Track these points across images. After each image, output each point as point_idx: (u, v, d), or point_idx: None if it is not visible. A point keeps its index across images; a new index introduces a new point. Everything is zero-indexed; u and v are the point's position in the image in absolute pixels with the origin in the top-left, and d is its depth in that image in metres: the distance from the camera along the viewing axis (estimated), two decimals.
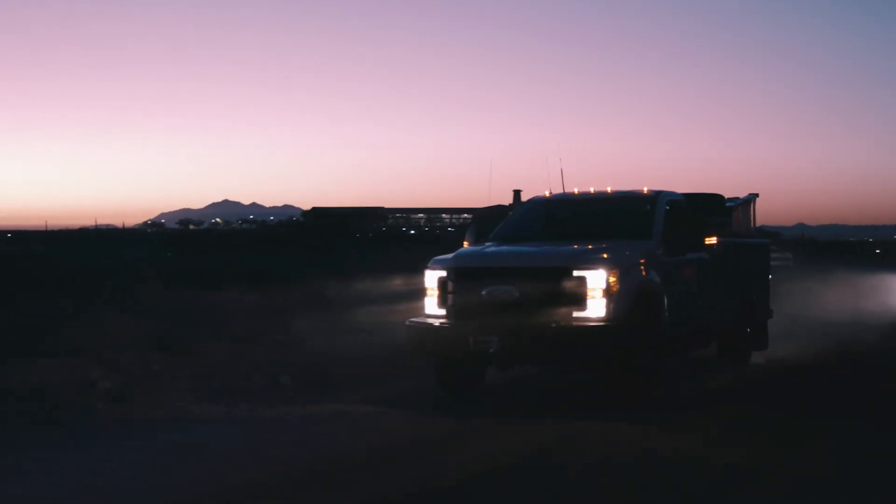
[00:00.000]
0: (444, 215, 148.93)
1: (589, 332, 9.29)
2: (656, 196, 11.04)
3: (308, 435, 8.55)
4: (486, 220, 11.99)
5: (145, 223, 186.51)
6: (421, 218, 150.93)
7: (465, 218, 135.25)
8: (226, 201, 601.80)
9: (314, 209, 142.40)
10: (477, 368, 10.41)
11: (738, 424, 8.94)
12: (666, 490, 6.70)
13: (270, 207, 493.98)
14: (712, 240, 10.89)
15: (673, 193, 11.41)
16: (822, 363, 13.24)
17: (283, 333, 13.42)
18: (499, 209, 13.36)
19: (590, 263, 9.50)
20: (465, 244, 11.05)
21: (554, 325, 9.33)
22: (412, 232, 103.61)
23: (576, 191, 11.73)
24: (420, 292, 10.25)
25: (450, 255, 10.21)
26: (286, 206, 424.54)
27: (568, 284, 9.41)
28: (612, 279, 9.41)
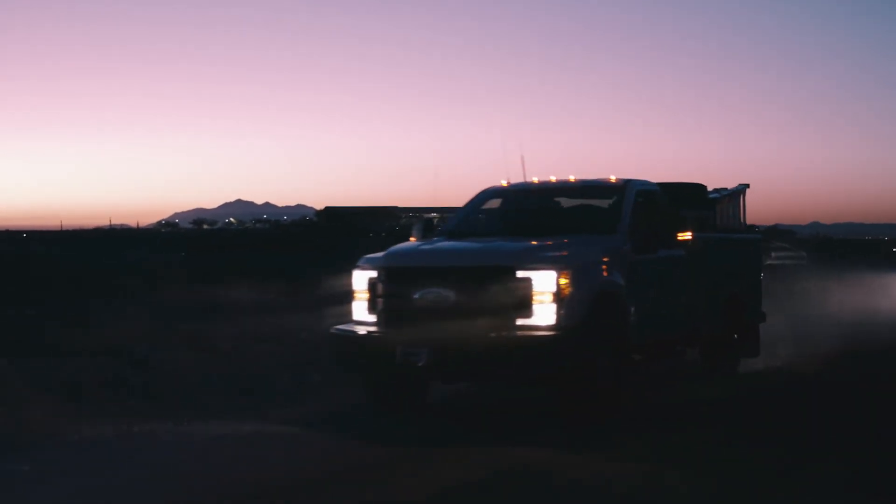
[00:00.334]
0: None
1: (534, 343, 7.84)
2: (624, 185, 9.58)
3: (212, 460, 7.27)
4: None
5: (159, 223, 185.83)
6: (434, 217, 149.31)
7: None
8: (239, 201, 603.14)
9: (327, 209, 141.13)
10: (415, 383, 8.98)
11: (691, 454, 7.45)
12: None
13: (283, 207, 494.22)
14: (687, 235, 9.40)
15: (645, 183, 9.95)
16: (822, 373, 11.74)
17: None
18: None
19: (537, 262, 8.05)
20: (412, 240, 9.61)
21: (494, 334, 7.89)
22: None
23: (535, 180, 10.26)
24: (350, 296, 8.83)
25: (381, 254, 8.78)
26: (299, 206, 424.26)
27: (511, 287, 7.97)
28: (563, 281, 7.95)
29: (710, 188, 11.91)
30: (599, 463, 7.07)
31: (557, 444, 7.63)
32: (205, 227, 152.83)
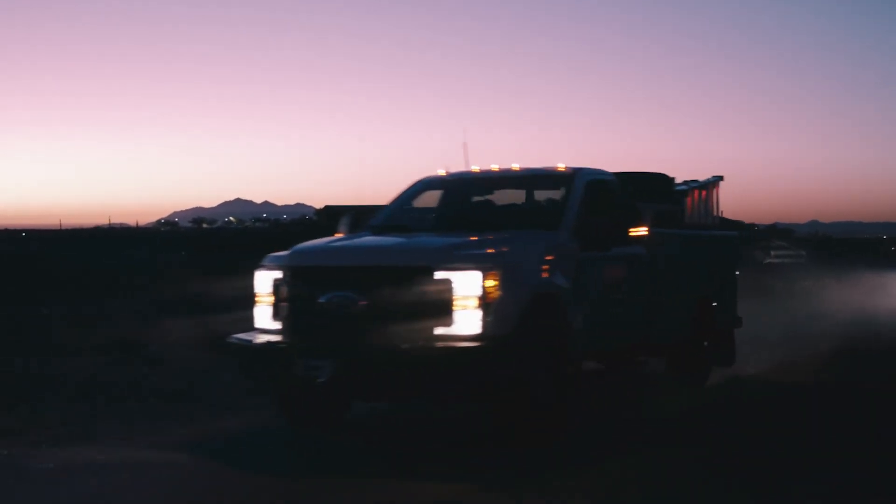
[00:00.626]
0: None
1: (454, 356, 6.62)
2: (573, 175, 8.36)
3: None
4: None
5: (158, 222, 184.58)
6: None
7: None
8: (238, 200, 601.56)
9: (327, 207, 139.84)
10: (333, 397, 7.77)
11: (646, 484, 6.24)
12: None
13: (283, 206, 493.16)
14: (642, 230, 8.18)
15: (599, 172, 8.73)
16: (804, 383, 10.55)
17: None
18: None
19: (458, 261, 6.83)
20: (338, 236, 8.41)
21: (407, 345, 6.68)
22: None
23: (476, 169, 9.04)
24: (252, 299, 7.62)
25: (287, 251, 7.57)
26: (298, 205, 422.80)
27: (429, 290, 6.77)
28: (490, 282, 6.74)
29: (679, 180, 10.72)
30: (532, 500, 5.87)
31: (485, 474, 6.43)
32: (204, 225, 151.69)
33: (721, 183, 11.11)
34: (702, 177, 10.98)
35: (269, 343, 7.13)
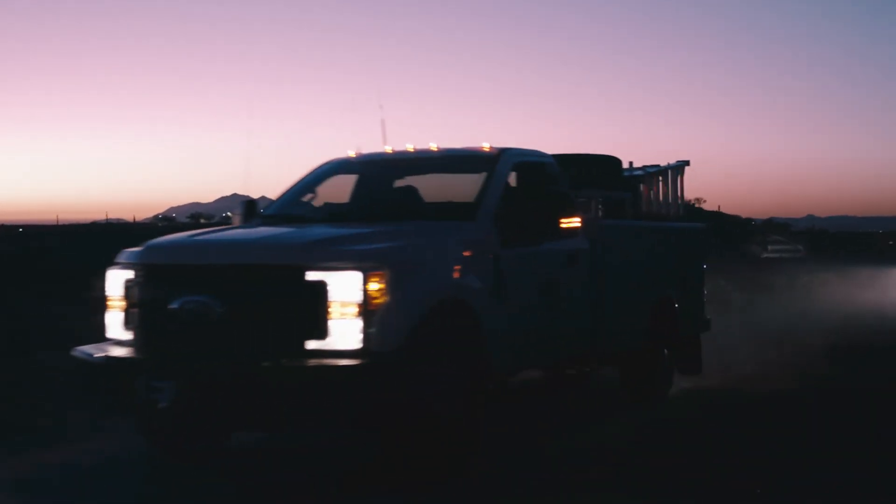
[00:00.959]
0: None
1: (327, 376, 5.26)
2: (498, 156, 6.98)
3: None
4: None
5: (155, 217, 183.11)
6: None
7: None
8: (234, 195, 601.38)
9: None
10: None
11: None
12: None
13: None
14: (574, 222, 6.79)
15: (530, 154, 7.35)
16: (778, 394, 9.17)
17: None
18: None
19: (335, 259, 5.45)
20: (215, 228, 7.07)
21: (267, 363, 5.33)
22: None
23: (389, 149, 7.65)
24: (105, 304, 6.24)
25: (141, 247, 6.19)
26: None
27: (299, 294, 5.40)
28: (374, 285, 5.37)
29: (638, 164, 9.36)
30: None
31: None
32: (202, 220, 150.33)
33: (687, 169, 9.74)
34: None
35: (108, 358, 5.75)
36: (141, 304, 5.84)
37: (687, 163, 9.68)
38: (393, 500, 5.49)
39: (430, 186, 7.25)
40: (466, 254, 6.13)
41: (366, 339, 5.32)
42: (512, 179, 7.15)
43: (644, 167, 9.13)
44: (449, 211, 6.63)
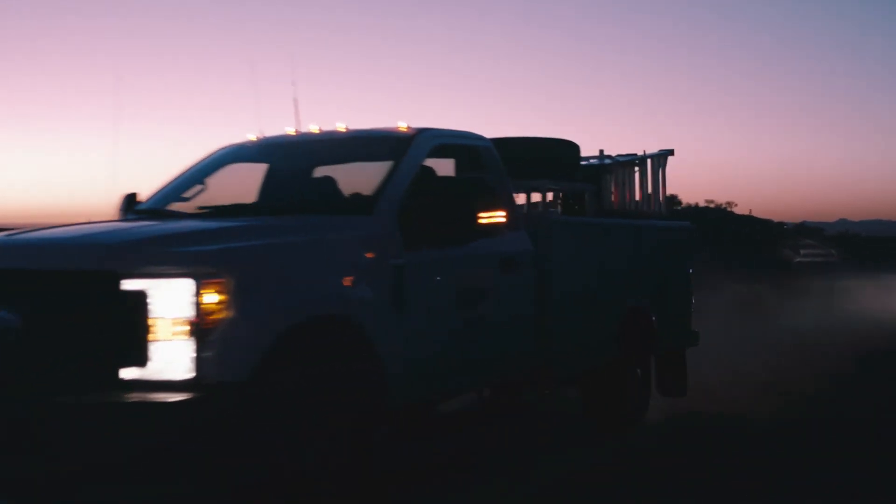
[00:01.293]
0: None
1: (146, 418, 4.02)
2: (412, 138, 5.67)
3: None
4: None
5: None
6: None
7: None
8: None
9: None
10: None
11: None
12: None
13: None
14: (498, 217, 5.45)
15: (458, 135, 6.03)
16: (781, 420, 7.83)
17: None
18: None
19: (159, 263, 4.18)
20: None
21: (70, 398, 4.09)
22: None
23: (292, 131, 6.36)
24: None
25: None
26: None
27: (112, 307, 4.16)
28: (212, 297, 4.10)
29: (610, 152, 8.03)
30: None
31: None
32: None
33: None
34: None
35: None
36: None
37: (670, 152, 8.34)
38: None
39: (338, 174, 5.98)
40: (356, 257, 4.85)
41: (199, 367, 4.06)
42: (439, 167, 5.89)
43: (611, 156, 7.80)
44: (341, 204, 5.36)
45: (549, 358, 6.27)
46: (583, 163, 7.64)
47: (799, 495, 5.68)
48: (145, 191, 6.31)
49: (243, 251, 4.36)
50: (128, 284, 4.10)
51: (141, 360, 4.06)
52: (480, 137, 6.13)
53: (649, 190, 8.10)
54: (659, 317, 7.68)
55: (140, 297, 4.07)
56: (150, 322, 4.06)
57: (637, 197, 7.88)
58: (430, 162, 5.81)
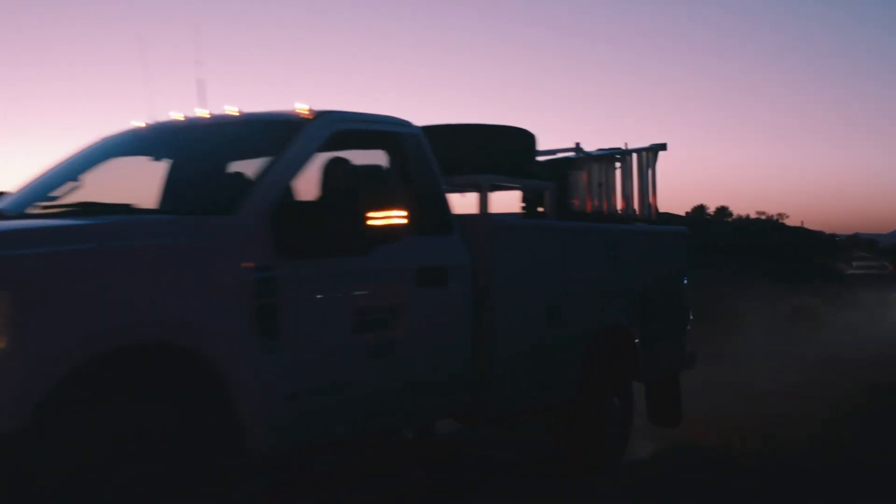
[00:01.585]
0: None
1: None
2: (302, 123, 4.57)
3: None
4: None
5: None
6: None
7: None
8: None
9: None
10: None
11: None
12: None
13: None
14: (395, 217, 4.34)
15: (373, 120, 4.92)
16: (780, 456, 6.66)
17: None
18: None
19: None
20: None
21: None
22: None
23: (180, 117, 5.31)
24: None
25: None
26: None
27: None
28: None
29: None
30: None
31: None
32: None
33: (662, 154, 7.23)
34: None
35: None
36: None
37: (662, 147, 7.18)
38: None
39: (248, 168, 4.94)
40: (204, 268, 3.82)
41: None
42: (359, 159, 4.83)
43: (599, 150, 6.66)
44: (204, 202, 4.31)
45: (489, 392, 5.17)
46: (548, 157, 6.52)
47: (799, 495, 5.47)
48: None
49: (26, 260, 3.34)
50: None
51: None
52: (404, 123, 5.05)
53: (635, 189, 6.96)
54: (644, 337, 6.54)
55: None
56: None
57: (619, 197, 6.74)
58: (359, 156, 4.79)
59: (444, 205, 5.05)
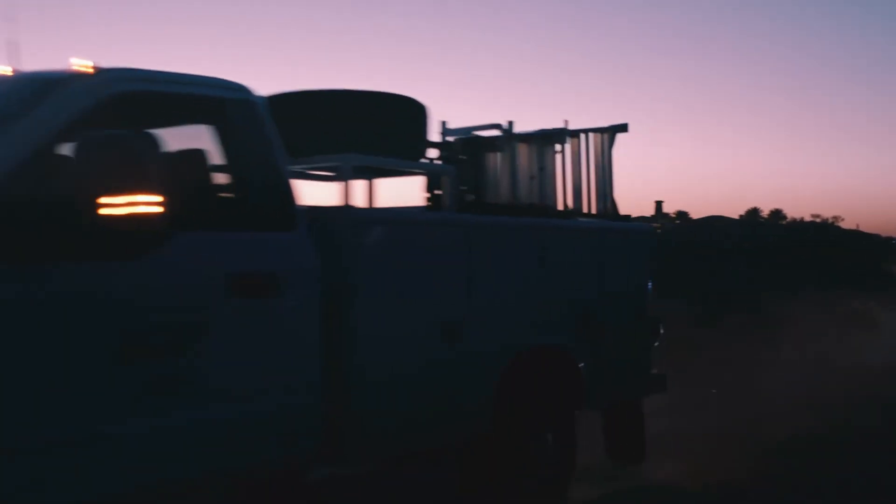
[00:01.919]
0: None
1: None
2: (58, 84, 3.40)
3: None
4: None
5: None
6: None
7: None
8: None
9: None
10: None
11: None
12: None
13: None
14: (149, 205, 3.18)
15: (172, 80, 3.73)
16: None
17: None
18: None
19: None
20: None
21: None
22: None
23: None
24: None
25: None
26: None
27: None
28: None
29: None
30: None
31: None
32: None
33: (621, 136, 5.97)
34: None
35: None
36: None
37: (621, 128, 5.91)
38: None
39: None
40: None
41: None
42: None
43: (540, 131, 5.43)
44: None
45: (351, 429, 4.00)
46: (456, 137, 5.31)
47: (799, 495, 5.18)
48: None
49: None
50: None
51: None
52: (230, 86, 3.87)
53: (585, 177, 5.71)
54: (592, 357, 5.30)
55: None
56: None
57: (560, 185, 5.50)
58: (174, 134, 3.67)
59: (285, 193, 3.89)
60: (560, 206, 5.64)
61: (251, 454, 3.69)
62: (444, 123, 5.06)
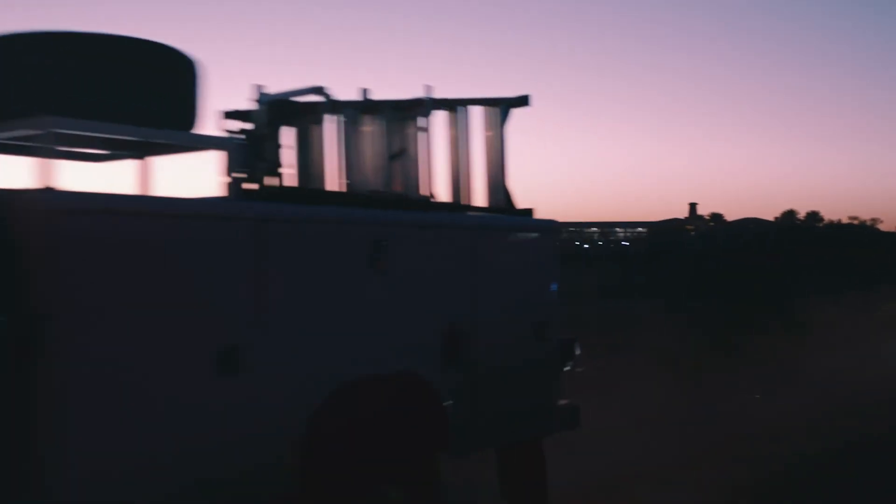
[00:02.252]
0: (617, 229, 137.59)
1: None
2: None
3: None
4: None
5: None
6: (594, 232, 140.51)
7: (640, 232, 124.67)
8: None
9: None
10: None
11: None
12: None
13: None
14: None
15: None
16: None
17: None
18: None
19: None
20: None
21: None
22: (586, 246, 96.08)
23: None
24: None
25: None
26: None
27: None
28: None
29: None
30: None
31: None
32: None
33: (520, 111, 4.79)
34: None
35: None
36: None
37: (521, 101, 4.74)
38: None
39: None
40: None
41: None
42: None
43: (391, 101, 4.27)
44: None
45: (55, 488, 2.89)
46: (250, 106, 4.12)
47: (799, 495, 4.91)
48: None
49: None
50: None
51: None
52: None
53: (464, 159, 4.55)
54: (462, 387, 4.14)
55: None
56: None
57: (424, 173, 4.35)
58: None
59: None
60: (430, 197, 4.48)
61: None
62: (259, 88, 3.94)
